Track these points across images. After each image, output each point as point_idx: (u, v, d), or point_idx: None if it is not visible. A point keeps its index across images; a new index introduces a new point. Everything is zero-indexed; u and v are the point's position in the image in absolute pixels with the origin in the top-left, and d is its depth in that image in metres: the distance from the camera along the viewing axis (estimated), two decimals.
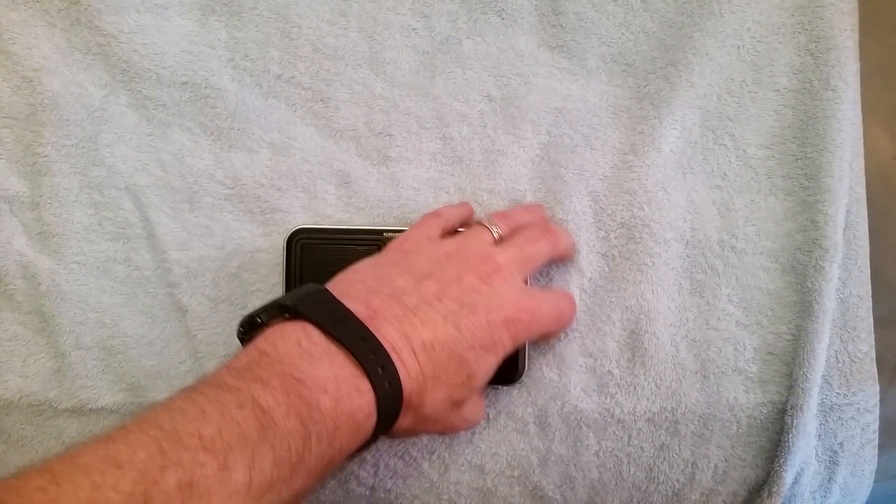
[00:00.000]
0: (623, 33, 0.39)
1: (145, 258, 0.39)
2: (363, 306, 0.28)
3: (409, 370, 0.28)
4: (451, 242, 0.33)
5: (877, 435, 0.38)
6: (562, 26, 0.39)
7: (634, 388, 0.37)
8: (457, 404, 0.31)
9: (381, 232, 0.38)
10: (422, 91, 0.40)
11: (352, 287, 0.30)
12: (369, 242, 0.37)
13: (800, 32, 0.38)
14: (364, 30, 0.40)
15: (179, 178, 0.39)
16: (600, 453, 0.38)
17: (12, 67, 0.39)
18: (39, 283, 0.39)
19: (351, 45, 0.40)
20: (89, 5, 0.39)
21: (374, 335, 0.27)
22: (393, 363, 0.27)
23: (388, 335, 0.28)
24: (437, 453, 0.38)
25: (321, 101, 0.40)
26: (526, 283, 0.34)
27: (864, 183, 0.38)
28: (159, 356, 0.39)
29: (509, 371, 0.36)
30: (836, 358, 0.38)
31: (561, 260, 0.38)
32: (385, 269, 0.31)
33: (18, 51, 0.39)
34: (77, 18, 0.39)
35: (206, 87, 0.40)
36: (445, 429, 0.33)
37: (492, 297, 0.30)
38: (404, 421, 0.29)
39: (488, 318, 0.30)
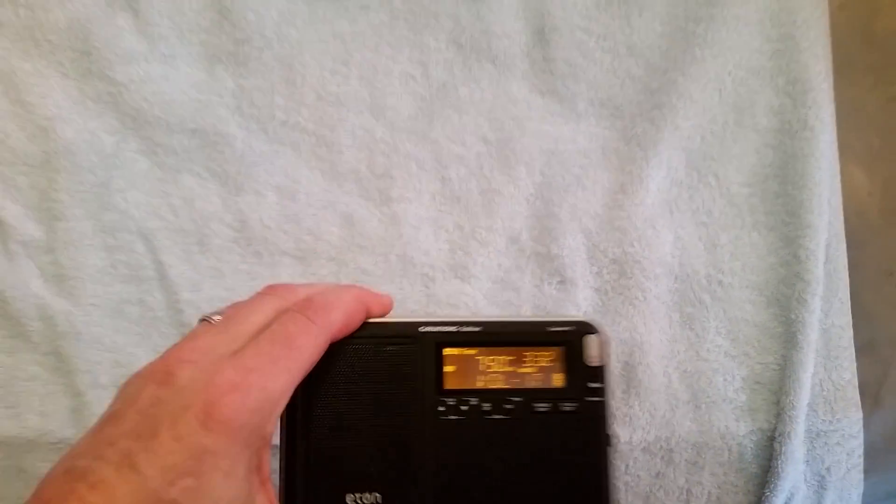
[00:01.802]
0: (610, 78, 0.41)
1: (158, 299, 0.41)
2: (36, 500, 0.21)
3: None
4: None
5: (862, 460, 0.40)
6: (552, 72, 0.41)
7: (630, 418, 0.39)
8: None
9: (416, 326, 0.28)
10: (421, 135, 0.41)
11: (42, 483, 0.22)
12: (402, 342, 0.28)
13: (778, 75, 0.40)
14: (365, 78, 0.42)
15: (190, 222, 0.41)
16: None
17: (27, 116, 0.41)
18: (56, 325, 0.40)
19: (353, 93, 0.42)
20: (100, 56, 0.41)
21: None
22: None
23: None
24: None
25: (325, 145, 0.42)
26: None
27: (842, 218, 0.40)
28: None
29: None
30: (821, 386, 0.39)
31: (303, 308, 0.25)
32: (83, 438, 0.22)
33: (33, 100, 0.41)
34: (89, 68, 0.41)
35: (214, 134, 0.41)
36: None
37: (176, 398, 0.22)
38: None
39: (174, 434, 0.21)
